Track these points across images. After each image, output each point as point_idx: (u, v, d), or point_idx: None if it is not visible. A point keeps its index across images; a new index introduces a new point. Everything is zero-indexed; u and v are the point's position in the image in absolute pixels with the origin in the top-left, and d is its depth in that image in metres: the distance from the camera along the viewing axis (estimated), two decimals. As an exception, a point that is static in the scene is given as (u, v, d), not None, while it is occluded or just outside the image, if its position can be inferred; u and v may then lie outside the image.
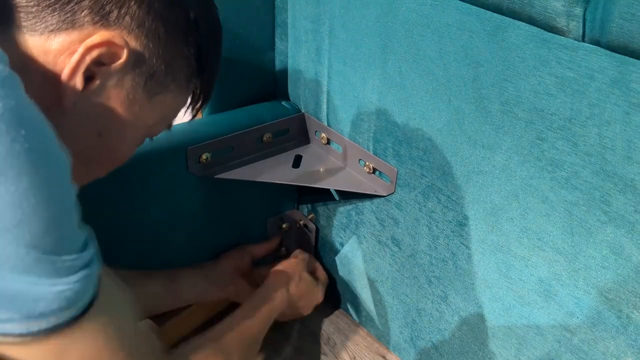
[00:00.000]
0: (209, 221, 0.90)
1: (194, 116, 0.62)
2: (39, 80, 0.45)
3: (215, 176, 0.85)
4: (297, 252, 0.94)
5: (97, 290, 0.42)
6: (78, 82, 0.46)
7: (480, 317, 0.74)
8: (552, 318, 0.66)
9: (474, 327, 0.76)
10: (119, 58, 0.47)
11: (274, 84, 0.97)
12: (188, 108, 0.60)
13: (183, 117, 0.62)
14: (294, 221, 1.01)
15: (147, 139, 0.59)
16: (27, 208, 0.36)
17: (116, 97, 0.49)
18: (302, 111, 0.93)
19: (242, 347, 0.67)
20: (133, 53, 0.48)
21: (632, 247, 0.56)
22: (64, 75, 0.45)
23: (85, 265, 0.40)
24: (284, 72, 0.94)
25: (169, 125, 0.60)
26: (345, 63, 0.80)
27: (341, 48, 0.80)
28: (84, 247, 0.41)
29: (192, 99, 0.59)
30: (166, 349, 0.54)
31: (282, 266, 0.86)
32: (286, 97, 0.95)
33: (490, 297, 0.72)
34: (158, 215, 0.83)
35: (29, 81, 0.43)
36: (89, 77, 0.47)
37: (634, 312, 0.57)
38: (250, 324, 0.72)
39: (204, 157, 0.82)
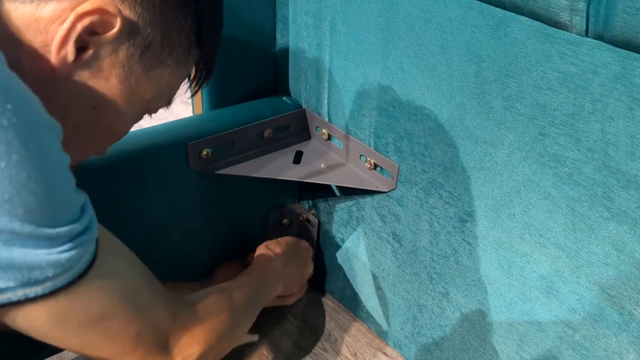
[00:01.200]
0: (209, 217, 0.90)
1: (195, 93, 0.60)
2: (30, 50, 0.44)
3: (216, 172, 0.85)
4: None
5: (94, 254, 0.43)
6: (70, 51, 0.44)
7: (482, 314, 0.74)
8: (553, 315, 0.65)
9: (475, 323, 0.76)
10: (112, 27, 0.46)
11: (274, 80, 0.96)
12: (190, 84, 0.58)
13: (184, 93, 0.60)
14: (296, 215, 1.00)
15: (148, 126, 0.59)
16: (18, 183, 0.36)
17: (110, 68, 0.48)
18: (303, 107, 0.93)
19: (245, 300, 0.68)
20: (127, 22, 0.47)
21: (635, 243, 0.56)
22: (55, 44, 0.44)
23: (81, 233, 0.41)
24: (285, 68, 0.93)
25: (168, 102, 0.58)
26: (346, 58, 0.80)
27: (342, 43, 0.79)
28: (79, 215, 0.41)
29: (194, 74, 0.57)
30: (172, 293, 0.55)
31: (263, 248, 0.88)
32: (287, 93, 0.95)
33: (491, 293, 0.72)
34: (158, 211, 0.83)
35: (20, 51, 0.43)
36: (81, 48, 0.45)
37: (636, 308, 0.57)
38: (251, 282, 0.74)
39: (204, 152, 0.82)
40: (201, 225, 0.90)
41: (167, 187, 0.82)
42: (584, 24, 0.52)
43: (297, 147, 0.92)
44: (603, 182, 0.56)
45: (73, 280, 0.41)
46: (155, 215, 0.82)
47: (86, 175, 0.73)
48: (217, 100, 0.91)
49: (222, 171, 0.85)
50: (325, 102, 0.88)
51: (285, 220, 1.00)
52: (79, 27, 0.44)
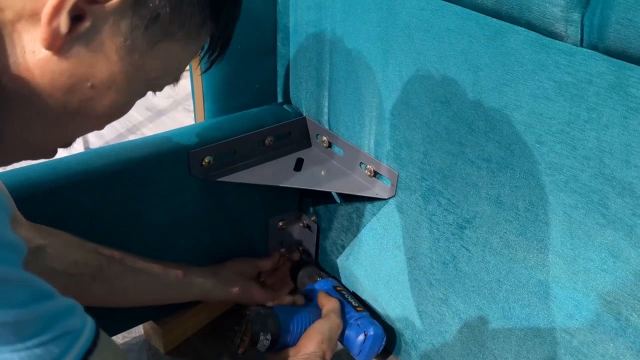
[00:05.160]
0: (211, 224, 0.91)
1: (207, 68, 0.54)
2: (16, 19, 0.39)
3: (217, 179, 0.85)
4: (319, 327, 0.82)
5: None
6: (63, 22, 0.38)
7: (481, 320, 0.75)
8: (551, 320, 0.66)
9: (474, 329, 0.76)
10: None
11: (275, 88, 0.97)
12: (203, 58, 0.53)
13: (195, 68, 0.53)
14: (296, 221, 1.01)
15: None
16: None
17: (111, 42, 0.42)
18: (304, 115, 0.93)
19: None
20: None
21: (631, 250, 0.56)
22: (46, 13, 0.38)
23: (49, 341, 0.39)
24: (286, 76, 0.94)
25: (176, 80, 0.51)
26: (346, 67, 0.81)
27: (342, 52, 0.80)
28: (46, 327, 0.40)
29: (207, 47, 0.51)
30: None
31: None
32: (288, 101, 0.96)
33: (490, 299, 0.73)
34: (160, 218, 0.83)
35: (5, 22, 0.39)
36: (77, 17, 0.39)
37: (633, 314, 0.58)
38: None
39: (206, 160, 0.83)
40: (203, 232, 0.90)
41: (169, 194, 0.82)
42: (579, 34, 0.53)
43: (298, 154, 0.93)
44: (599, 190, 0.57)
45: None
46: (157, 222, 0.83)
47: (90, 183, 0.74)
48: (218, 109, 0.92)
49: (223, 178, 0.86)
50: (326, 110, 0.88)
51: (280, 224, 1.00)
52: None
